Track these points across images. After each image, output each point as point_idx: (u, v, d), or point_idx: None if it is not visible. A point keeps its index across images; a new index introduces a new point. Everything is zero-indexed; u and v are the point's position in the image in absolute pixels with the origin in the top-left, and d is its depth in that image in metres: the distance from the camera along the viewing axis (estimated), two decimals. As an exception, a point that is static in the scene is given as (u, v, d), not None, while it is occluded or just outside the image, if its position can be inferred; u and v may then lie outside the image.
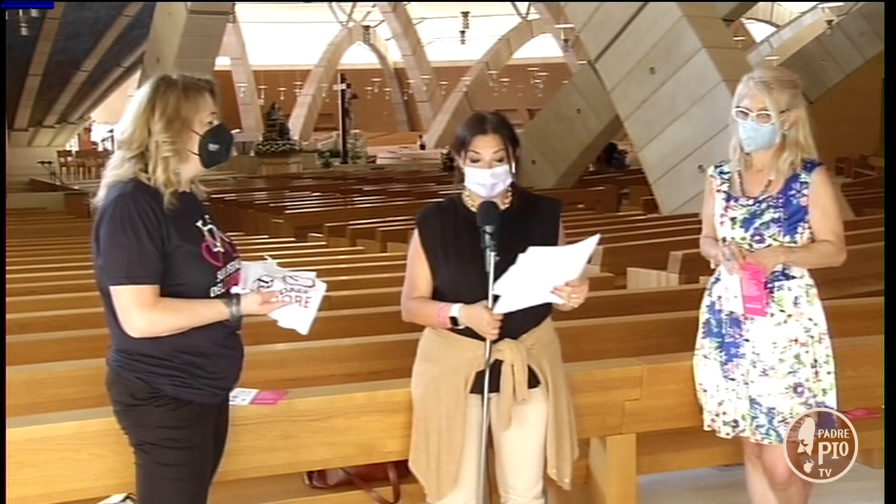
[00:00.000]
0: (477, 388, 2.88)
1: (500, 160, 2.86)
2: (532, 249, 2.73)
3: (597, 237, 2.79)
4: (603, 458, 3.52)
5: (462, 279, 2.87)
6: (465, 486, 2.92)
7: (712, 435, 3.36)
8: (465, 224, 2.92)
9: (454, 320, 2.85)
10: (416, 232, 2.99)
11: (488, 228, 2.80)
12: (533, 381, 2.91)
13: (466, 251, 2.87)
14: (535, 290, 2.80)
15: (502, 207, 2.92)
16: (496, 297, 2.78)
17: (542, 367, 2.92)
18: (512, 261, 2.75)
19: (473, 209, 2.94)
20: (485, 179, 2.86)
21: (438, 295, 2.94)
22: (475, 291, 2.82)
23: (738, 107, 3.17)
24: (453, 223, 2.94)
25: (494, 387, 2.88)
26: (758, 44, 35.29)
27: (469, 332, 2.86)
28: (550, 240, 2.93)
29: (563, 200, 3.20)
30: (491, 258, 2.78)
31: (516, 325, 2.85)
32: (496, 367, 2.87)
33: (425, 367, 3.00)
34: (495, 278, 2.76)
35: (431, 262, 2.94)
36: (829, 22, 26.80)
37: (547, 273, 2.77)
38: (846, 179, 19.22)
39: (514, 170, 2.90)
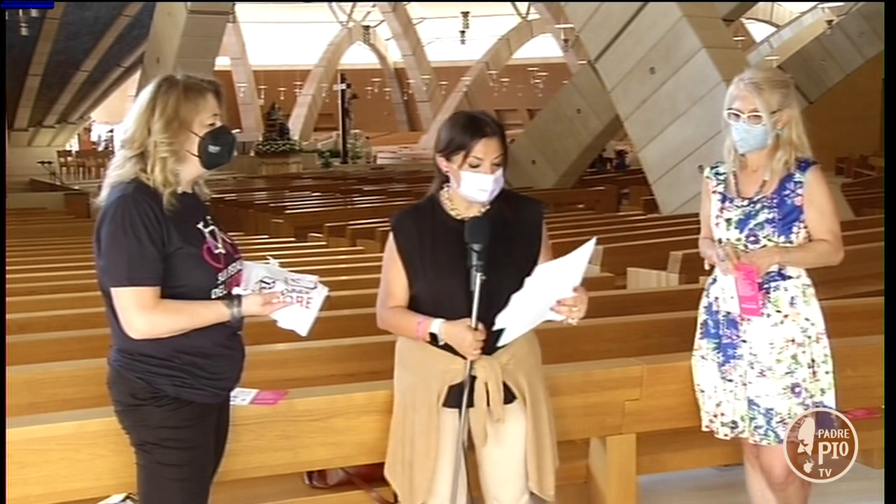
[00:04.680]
0: (451, 401, 2.80)
1: (499, 164, 2.75)
2: (536, 269, 2.65)
3: (593, 241, 2.70)
4: (603, 458, 3.52)
5: (442, 292, 2.76)
6: (441, 498, 2.85)
7: (712, 435, 3.36)
8: (443, 230, 2.80)
9: (433, 336, 2.75)
10: (390, 236, 2.86)
11: (476, 247, 2.66)
12: (510, 396, 2.83)
13: (446, 261, 2.75)
14: (537, 311, 2.73)
15: (483, 209, 2.81)
16: (500, 331, 2.69)
17: (518, 382, 2.83)
18: (494, 271, 2.67)
19: (454, 213, 2.82)
20: (487, 185, 2.73)
21: (416, 304, 2.82)
22: (455, 306, 2.72)
23: (729, 108, 3.16)
24: (431, 229, 2.81)
25: (471, 402, 2.78)
26: (758, 44, 35.29)
27: (445, 346, 2.76)
28: (533, 243, 2.82)
29: (547, 202, 3.12)
30: (478, 279, 2.66)
31: (492, 340, 2.73)
32: (471, 383, 2.77)
33: (401, 373, 2.93)
34: (480, 295, 2.66)
35: (408, 271, 2.81)
36: (829, 22, 26.78)
37: (548, 289, 2.69)
38: (846, 179, 19.22)
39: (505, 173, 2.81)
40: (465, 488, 2.86)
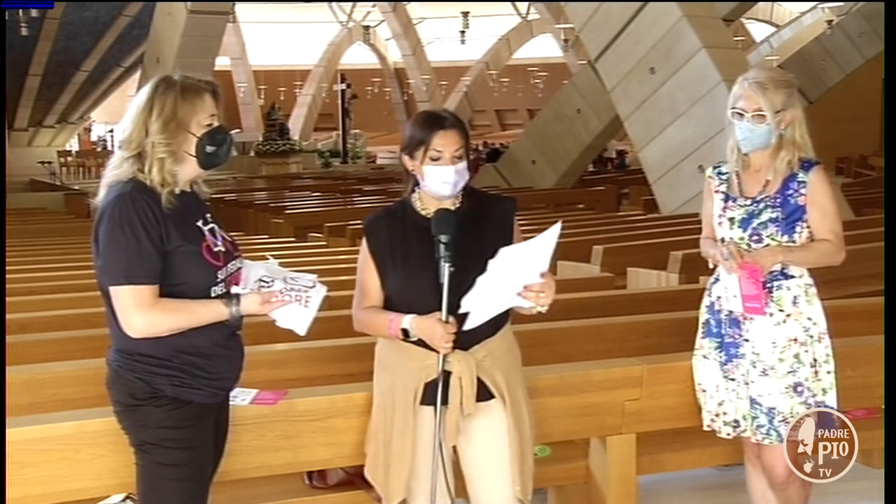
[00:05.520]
0: (428, 399, 2.79)
1: (461, 157, 2.77)
2: (500, 252, 2.62)
3: (558, 225, 2.67)
4: (603, 458, 3.52)
5: (411, 288, 2.78)
6: (422, 497, 2.82)
7: (712, 435, 3.36)
8: (414, 230, 2.81)
9: (405, 332, 2.76)
10: (363, 239, 2.89)
11: (443, 238, 2.68)
12: (487, 393, 2.82)
13: (415, 259, 2.78)
14: (503, 296, 2.70)
15: (452, 207, 2.82)
16: (465, 315, 2.66)
17: (494, 379, 2.81)
18: (464, 266, 2.67)
19: (424, 213, 2.84)
20: (449, 177, 2.75)
21: (389, 304, 2.84)
22: (426, 302, 2.72)
23: (733, 108, 3.17)
24: (402, 229, 2.84)
25: (445, 398, 2.76)
26: (758, 44, 35.32)
27: (420, 342, 2.76)
28: (504, 240, 2.79)
29: (547, 202, 3.13)
30: (446, 269, 2.67)
31: (468, 336, 2.73)
32: (446, 378, 2.76)
33: (380, 374, 2.92)
34: (449, 288, 2.67)
35: (380, 270, 2.84)
36: (829, 22, 26.81)
37: (514, 273, 2.66)
38: (846, 179, 19.25)
39: (469, 168, 2.82)
40: (444, 487, 2.82)
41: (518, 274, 2.68)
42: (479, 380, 2.80)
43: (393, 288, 2.83)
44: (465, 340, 2.74)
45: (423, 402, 2.81)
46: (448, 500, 2.84)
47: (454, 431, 2.80)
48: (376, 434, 2.90)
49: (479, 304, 2.67)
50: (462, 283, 2.66)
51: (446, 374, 2.76)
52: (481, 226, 2.83)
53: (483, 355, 2.81)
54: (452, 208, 2.83)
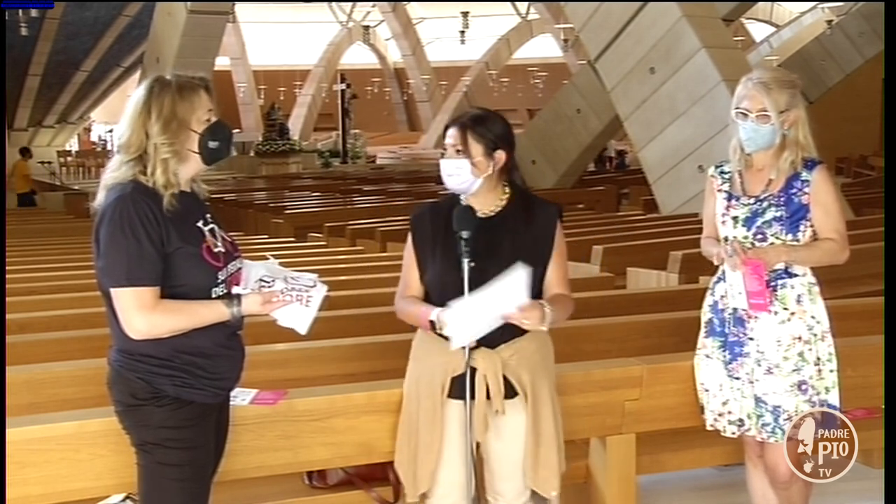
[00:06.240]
0: (455, 392, 2.85)
1: (461, 152, 2.85)
2: (465, 299, 2.70)
3: (523, 272, 2.69)
4: (603, 458, 3.52)
5: (448, 280, 2.83)
6: (451, 489, 2.89)
7: (712, 435, 3.36)
8: None
9: (433, 324, 2.81)
10: (409, 232, 3.00)
11: (464, 234, 2.76)
12: (512, 391, 2.87)
13: (454, 255, 2.82)
14: (485, 322, 2.74)
15: (496, 208, 2.90)
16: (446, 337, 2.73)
17: (520, 378, 2.86)
18: (496, 265, 2.74)
19: None
20: (444, 169, 2.88)
21: (427, 298, 2.92)
22: (461, 294, 2.76)
23: (737, 108, 3.18)
24: (444, 223, 2.90)
25: (473, 393, 2.83)
26: (758, 44, 35.32)
27: None
28: (543, 246, 2.88)
29: (562, 204, 3.14)
30: (465, 265, 2.74)
31: (494, 335, 2.79)
32: (471, 374, 2.82)
33: (412, 366, 3.00)
34: (472, 284, 2.73)
35: (420, 264, 2.94)
36: (829, 22, 26.81)
37: (493, 307, 2.72)
38: (846, 179, 19.23)
39: (490, 170, 2.85)
40: (471, 481, 2.88)
41: (496, 307, 2.73)
42: (505, 378, 2.85)
43: (430, 281, 2.91)
44: (489, 339, 2.80)
45: (451, 396, 2.87)
46: (471, 490, 2.89)
47: (481, 427, 2.86)
48: (402, 424, 2.97)
49: (461, 327, 2.72)
50: (489, 281, 2.72)
51: (472, 370, 2.81)
52: (520, 228, 2.89)
53: (509, 354, 2.86)
54: (495, 207, 2.90)
